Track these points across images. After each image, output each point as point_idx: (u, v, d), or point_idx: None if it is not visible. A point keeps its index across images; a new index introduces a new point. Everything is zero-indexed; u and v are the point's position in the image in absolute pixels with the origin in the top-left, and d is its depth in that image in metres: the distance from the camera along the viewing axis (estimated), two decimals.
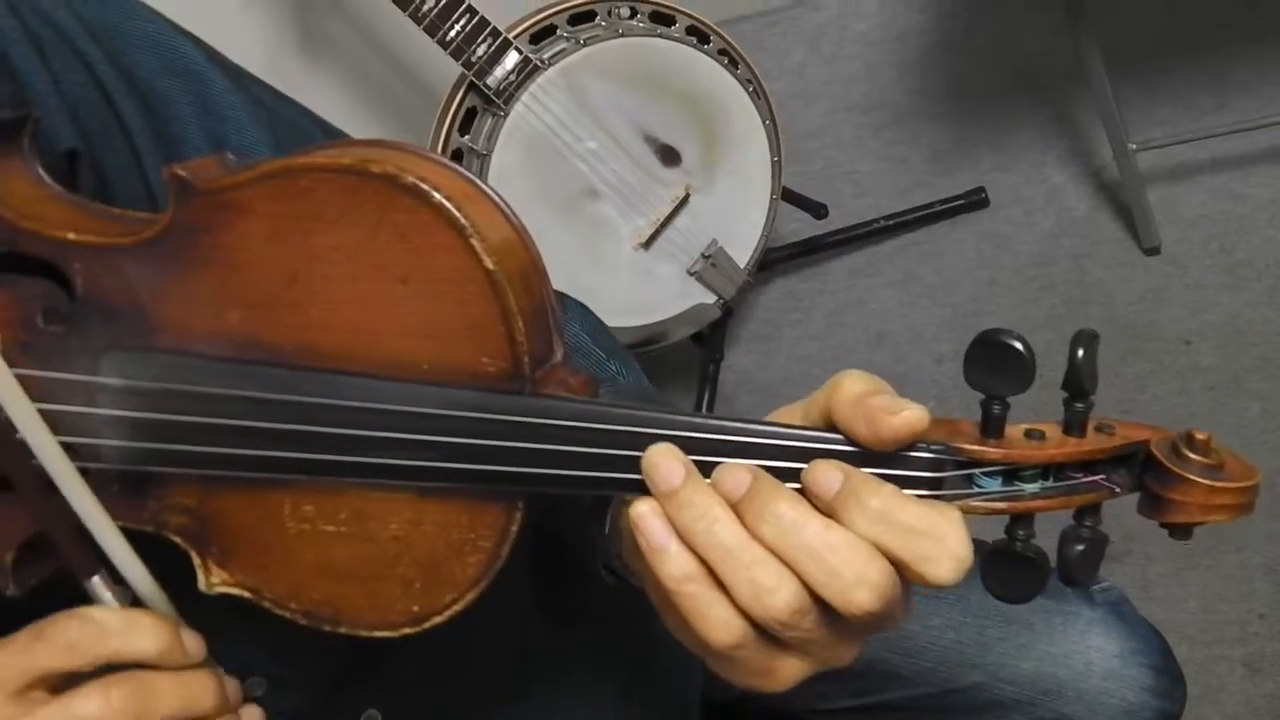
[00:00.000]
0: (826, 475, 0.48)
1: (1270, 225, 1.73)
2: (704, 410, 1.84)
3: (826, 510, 0.48)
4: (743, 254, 1.65)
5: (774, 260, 1.92)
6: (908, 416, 0.48)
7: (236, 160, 0.52)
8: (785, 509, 0.47)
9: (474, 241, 0.47)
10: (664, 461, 0.48)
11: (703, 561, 0.48)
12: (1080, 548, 0.50)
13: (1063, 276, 1.81)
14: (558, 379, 0.50)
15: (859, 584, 0.46)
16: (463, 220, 0.47)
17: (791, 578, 0.47)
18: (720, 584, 0.47)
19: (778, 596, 0.46)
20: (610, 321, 1.58)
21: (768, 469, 0.49)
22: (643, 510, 0.48)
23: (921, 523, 0.47)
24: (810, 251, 1.96)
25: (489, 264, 0.47)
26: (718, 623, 0.48)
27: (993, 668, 0.85)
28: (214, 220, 0.49)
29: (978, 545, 0.48)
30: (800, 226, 1.95)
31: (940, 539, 0.46)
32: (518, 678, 0.74)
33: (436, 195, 0.47)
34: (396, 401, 0.49)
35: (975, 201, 1.90)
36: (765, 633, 0.48)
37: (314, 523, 0.50)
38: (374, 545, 0.50)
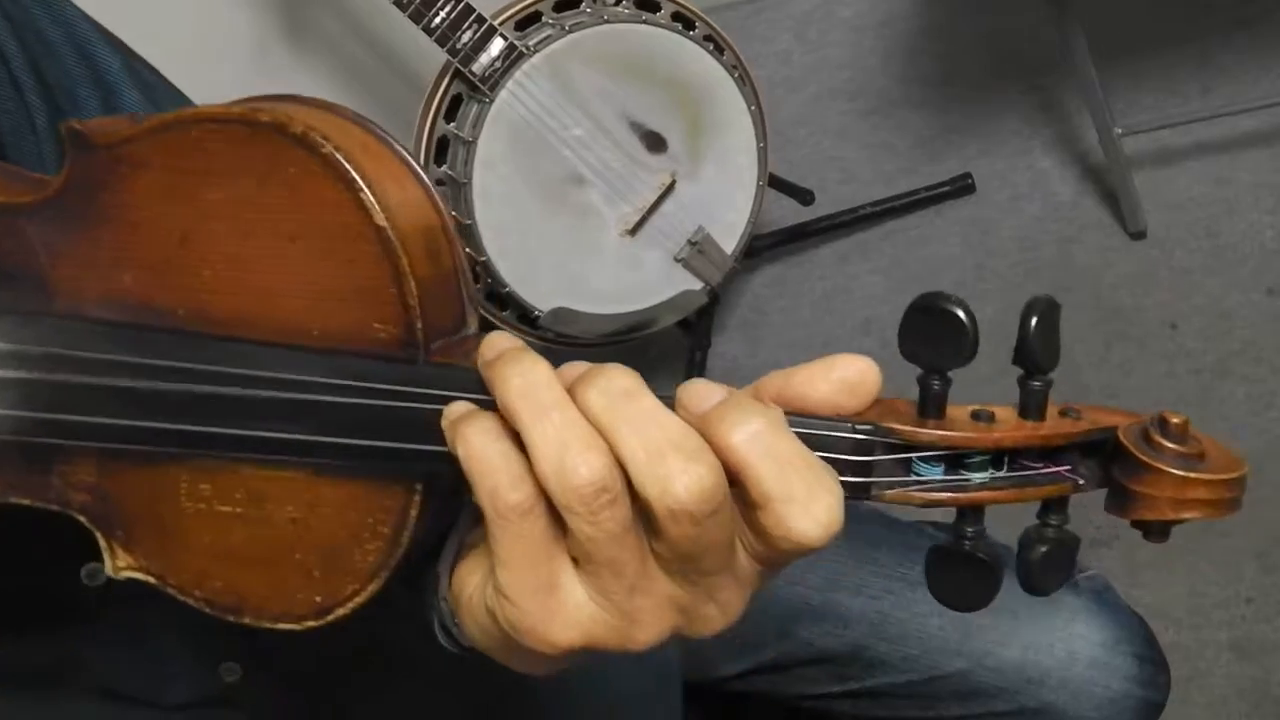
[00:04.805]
0: (705, 388, 0.41)
1: (1255, 209, 1.73)
2: None
3: (696, 425, 0.40)
4: (729, 240, 1.65)
5: (760, 247, 1.92)
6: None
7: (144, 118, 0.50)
8: (621, 379, 0.40)
9: (364, 195, 0.44)
10: (499, 338, 0.43)
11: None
12: (1043, 549, 0.43)
13: (1049, 261, 1.81)
14: (463, 351, 0.46)
15: (681, 473, 0.38)
16: (353, 173, 0.44)
17: (605, 449, 0.40)
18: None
19: (585, 459, 0.39)
20: (597, 308, 1.60)
21: None
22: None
23: (800, 458, 0.40)
24: (797, 238, 1.95)
25: (379, 220, 0.44)
26: (508, 479, 0.41)
27: (977, 655, 0.85)
28: (110, 176, 0.47)
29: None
30: (786, 213, 1.94)
31: (812, 482, 0.40)
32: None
33: (326, 146, 0.44)
34: (279, 369, 0.46)
35: (961, 187, 1.90)
36: (559, 522, 0.41)
37: (210, 503, 0.49)
38: (271, 528, 0.48)
